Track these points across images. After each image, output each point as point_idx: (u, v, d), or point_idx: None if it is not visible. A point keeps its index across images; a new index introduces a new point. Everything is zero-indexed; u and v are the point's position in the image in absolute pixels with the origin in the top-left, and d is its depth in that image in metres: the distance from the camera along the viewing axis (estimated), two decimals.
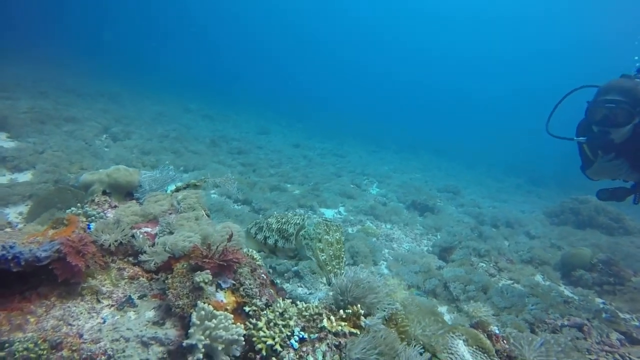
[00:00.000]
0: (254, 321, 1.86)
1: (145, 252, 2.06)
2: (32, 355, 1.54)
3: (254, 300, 1.95)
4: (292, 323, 1.81)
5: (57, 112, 9.97)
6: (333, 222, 2.54)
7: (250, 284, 1.97)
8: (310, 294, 4.77)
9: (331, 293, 2.12)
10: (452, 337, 2.53)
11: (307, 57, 58.30)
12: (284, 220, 2.72)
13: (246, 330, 1.82)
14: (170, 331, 1.75)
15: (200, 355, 1.65)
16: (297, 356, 1.71)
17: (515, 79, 51.85)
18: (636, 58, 4.27)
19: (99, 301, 1.89)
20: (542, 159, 22.28)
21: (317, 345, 1.77)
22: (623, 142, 3.65)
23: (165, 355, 1.69)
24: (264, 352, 1.73)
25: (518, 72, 52.32)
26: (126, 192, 2.65)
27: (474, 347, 2.54)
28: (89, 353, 1.64)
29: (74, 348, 1.64)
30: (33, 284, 1.80)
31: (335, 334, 1.83)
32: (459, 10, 51.24)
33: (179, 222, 2.27)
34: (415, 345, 1.93)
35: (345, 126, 24.26)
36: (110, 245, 2.06)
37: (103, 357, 1.65)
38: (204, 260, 1.87)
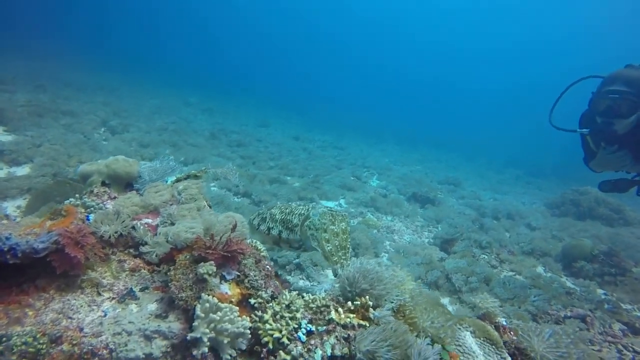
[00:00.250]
0: (259, 314, 1.81)
1: (146, 243, 2.00)
2: (30, 349, 1.48)
3: (260, 292, 1.89)
4: (299, 315, 1.76)
5: (55, 105, 9.87)
6: (338, 212, 2.48)
7: (255, 276, 1.92)
8: (312, 286, 4.73)
9: (337, 284, 2.07)
10: (460, 328, 2.49)
11: (306, 50, 57.92)
12: (287, 210, 2.66)
13: (252, 323, 1.76)
14: (173, 324, 1.70)
15: (206, 349, 1.60)
16: (305, 349, 1.66)
17: (513, 71, 51.68)
18: None
19: (99, 294, 1.83)
20: (541, 151, 22.27)
21: (325, 337, 1.72)
22: (627, 134, 3.58)
23: (169, 349, 1.63)
24: (270, 346, 1.68)
25: (516, 65, 52.12)
26: (126, 183, 2.58)
27: (482, 338, 2.50)
28: (90, 347, 1.59)
29: (74, 342, 1.58)
30: (31, 276, 1.74)
31: (344, 326, 1.78)
32: (459, 1, 50.80)
33: (180, 212, 2.21)
34: (425, 338, 1.88)
35: (345, 119, 24.18)
36: (110, 237, 2.00)
37: (105, 351, 1.59)
38: (208, 251, 1.81)
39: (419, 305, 2.24)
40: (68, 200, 2.25)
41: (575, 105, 4.15)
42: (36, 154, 6.51)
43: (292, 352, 1.64)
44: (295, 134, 16.22)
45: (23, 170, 6.05)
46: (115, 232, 2.02)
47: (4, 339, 1.49)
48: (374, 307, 1.91)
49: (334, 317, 1.79)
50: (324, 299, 1.90)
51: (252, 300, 1.87)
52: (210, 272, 1.76)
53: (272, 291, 1.93)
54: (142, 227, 2.11)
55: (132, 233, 2.07)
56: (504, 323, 2.72)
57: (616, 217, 9.35)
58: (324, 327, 1.75)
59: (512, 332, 2.63)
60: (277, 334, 1.68)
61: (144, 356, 1.58)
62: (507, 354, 2.39)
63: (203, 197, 2.46)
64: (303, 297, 1.91)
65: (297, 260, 5.03)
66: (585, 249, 6.63)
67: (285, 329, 1.70)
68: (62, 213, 2.01)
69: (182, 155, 9.00)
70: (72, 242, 1.72)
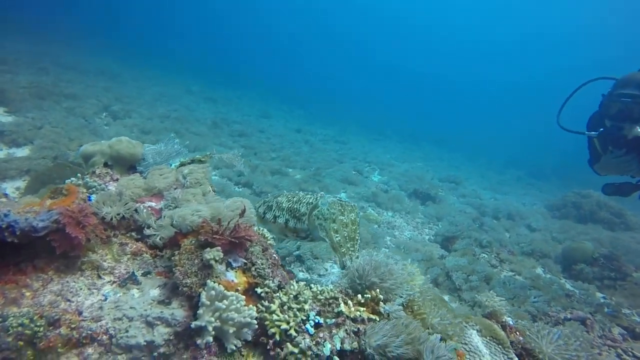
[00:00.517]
0: (266, 303, 1.74)
1: (150, 226, 1.92)
2: (27, 331, 1.41)
3: (267, 282, 1.82)
4: (307, 307, 1.69)
5: (57, 89, 9.72)
6: (348, 203, 2.40)
7: (262, 264, 1.84)
8: (312, 278, 4.68)
9: (345, 277, 2.00)
10: (466, 326, 2.44)
11: (311, 44, 57.39)
12: (295, 199, 2.58)
13: (258, 313, 1.70)
14: (177, 311, 1.62)
15: (210, 338, 1.54)
16: (314, 342, 1.59)
17: (513, 71, 51.44)
18: None
19: (99, 277, 1.76)
20: (542, 153, 22.21)
21: (334, 331, 1.65)
22: (635, 138, 3.53)
23: (171, 337, 1.57)
24: (277, 337, 1.61)
25: (517, 65, 51.90)
26: (129, 165, 2.49)
27: (488, 337, 2.45)
28: (89, 332, 1.52)
29: (72, 326, 1.51)
30: (29, 256, 1.66)
31: (354, 320, 1.71)
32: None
33: (185, 196, 2.13)
34: (434, 334, 1.82)
35: (347, 114, 24.00)
36: (112, 219, 1.92)
37: (104, 337, 1.53)
38: (215, 236, 1.73)
39: (428, 302, 2.18)
40: (69, 180, 2.17)
41: (582, 106, 4.08)
42: (36, 136, 6.40)
43: (300, 345, 1.57)
44: (297, 126, 16.09)
45: (23, 152, 5.95)
46: (118, 214, 1.94)
47: (0, 319, 1.42)
48: (384, 301, 1.85)
49: (343, 310, 1.72)
50: (332, 290, 1.83)
51: (259, 290, 1.80)
52: (217, 258, 1.69)
53: (279, 281, 1.86)
54: (145, 210, 2.03)
55: (134, 216, 2.00)
56: (511, 322, 2.67)
57: (617, 221, 9.32)
58: (333, 320, 1.68)
59: (518, 333, 2.58)
60: (284, 325, 1.62)
61: (145, 343, 1.51)
62: (514, 355, 2.34)
63: (208, 182, 2.39)
64: (311, 288, 1.84)
65: (297, 252, 4.97)
66: (586, 252, 6.59)
67: (293, 321, 1.64)
68: (63, 192, 1.93)
69: (184, 143, 8.87)
70: (73, 221, 1.65)
